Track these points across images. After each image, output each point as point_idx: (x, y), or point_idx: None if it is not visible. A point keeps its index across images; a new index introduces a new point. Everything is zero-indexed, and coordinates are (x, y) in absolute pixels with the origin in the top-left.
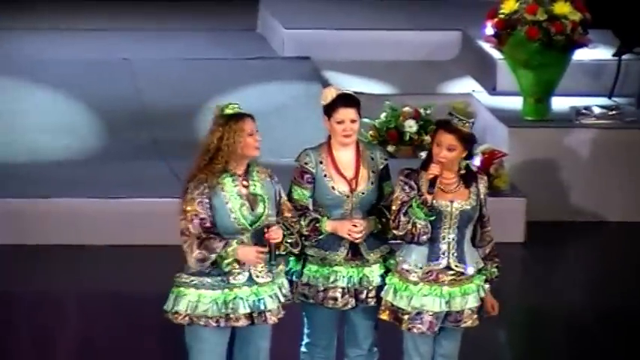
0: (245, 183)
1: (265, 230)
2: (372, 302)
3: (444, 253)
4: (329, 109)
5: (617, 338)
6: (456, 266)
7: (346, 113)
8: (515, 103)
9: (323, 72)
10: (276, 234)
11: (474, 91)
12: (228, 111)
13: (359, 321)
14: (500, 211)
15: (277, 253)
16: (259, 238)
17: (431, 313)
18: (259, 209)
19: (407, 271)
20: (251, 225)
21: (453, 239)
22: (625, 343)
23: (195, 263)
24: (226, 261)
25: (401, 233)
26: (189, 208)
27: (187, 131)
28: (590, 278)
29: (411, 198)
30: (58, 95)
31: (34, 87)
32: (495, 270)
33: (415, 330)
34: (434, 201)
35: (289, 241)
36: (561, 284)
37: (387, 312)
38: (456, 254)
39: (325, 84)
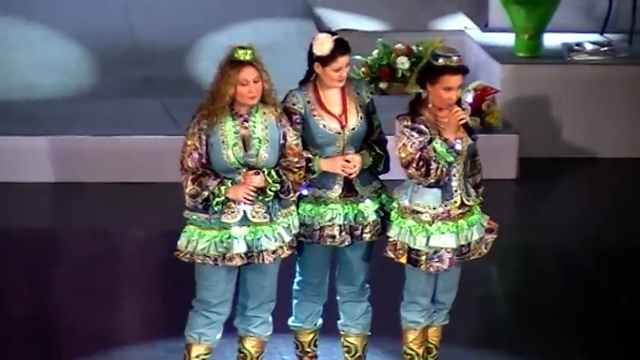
0: (246, 124)
1: (246, 172)
2: (367, 237)
3: (455, 191)
4: (326, 58)
5: (609, 273)
6: (467, 200)
7: (344, 60)
8: (508, 39)
9: (315, 9)
10: (250, 179)
11: (466, 27)
12: (235, 56)
13: (352, 258)
14: (492, 148)
15: (262, 197)
16: None
17: (449, 250)
18: (252, 150)
19: (419, 212)
20: (244, 165)
21: (461, 175)
22: (616, 277)
23: (188, 198)
24: (217, 199)
25: (432, 180)
26: (189, 142)
27: (180, 69)
28: (582, 214)
29: (429, 142)
30: (50, 32)
31: (26, 24)
32: (481, 197)
33: (433, 269)
34: (456, 142)
35: (272, 189)
36: (553, 220)
37: (405, 255)
38: (464, 189)
39: (317, 21)
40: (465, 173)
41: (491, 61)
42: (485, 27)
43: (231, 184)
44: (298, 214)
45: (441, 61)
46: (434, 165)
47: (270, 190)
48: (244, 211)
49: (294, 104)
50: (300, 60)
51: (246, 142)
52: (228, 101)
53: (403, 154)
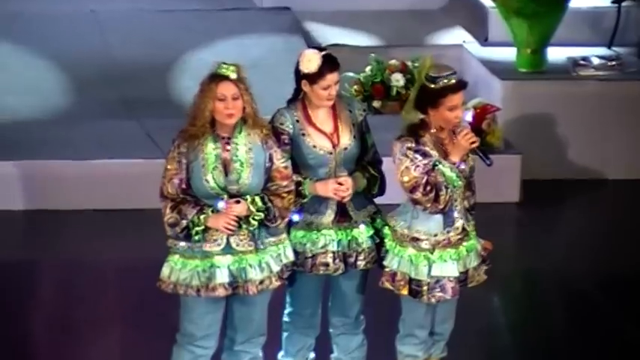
0: (228, 147)
1: (226, 200)
2: (361, 265)
3: (457, 216)
4: (314, 76)
5: (616, 301)
6: (467, 225)
7: (333, 78)
8: (509, 54)
9: (304, 23)
10: (230, 208)
11: (464, 41)
12: (218, 70)
13: (346, 287)
14: (493, 170)
15: (246, 227)
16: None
17: (452, 279)
18: (233, 175)
19: (418, 239)
20: (225, 190)
21: (462, 199)
22: (624, 305)
23: (167, 227)
24: (197, 228)
25: (442, 206)
26: (169, 167)
27: (161, 88)
28: (589, 239)
29: (434, 165)
30: (22, 51)
31: None
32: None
33: (434, 300)
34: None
35: (256, 218)
36: (558, 246)
37: (407, 287)
38: (464, 214)
39: (306, 36)
40: (463, 197)
41: (491, 77)
42: (484, 41)
43: (212, 211)
44: (289, 241)
45: (439, 82)
46: (444, 190)
47: (253, 219)
48: (227, 239)
49: (281, 124)
50: (288, 78)
51: (227, 166)
52: (208, 117)
53: (406, 178)
